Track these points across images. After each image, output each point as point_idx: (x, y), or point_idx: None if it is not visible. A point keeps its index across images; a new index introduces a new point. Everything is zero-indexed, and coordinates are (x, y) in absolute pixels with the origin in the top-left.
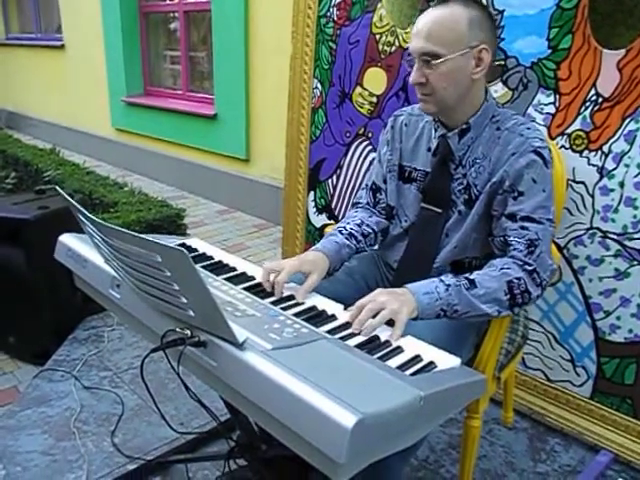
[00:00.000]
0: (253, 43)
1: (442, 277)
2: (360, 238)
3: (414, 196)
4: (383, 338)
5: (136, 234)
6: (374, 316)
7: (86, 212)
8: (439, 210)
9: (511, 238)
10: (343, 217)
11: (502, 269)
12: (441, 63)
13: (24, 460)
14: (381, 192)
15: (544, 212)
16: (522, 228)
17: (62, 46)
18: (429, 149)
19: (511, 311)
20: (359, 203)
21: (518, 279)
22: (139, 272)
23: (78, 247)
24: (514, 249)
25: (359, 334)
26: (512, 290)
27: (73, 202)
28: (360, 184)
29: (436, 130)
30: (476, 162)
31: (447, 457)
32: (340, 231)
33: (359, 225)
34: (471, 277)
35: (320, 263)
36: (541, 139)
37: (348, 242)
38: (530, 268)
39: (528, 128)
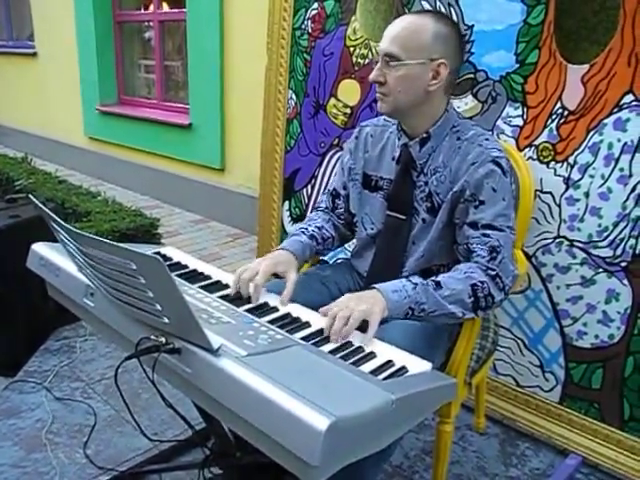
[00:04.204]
0: (228, 53)
1: (409, 277)
2: (320, 241)
3: (380, 204)
4: (357, 344)
5: (111, 242)
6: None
7: (60, 220)
8: (403, 217)
9: (474, 245)
10: None
11: (466, 272)
12: (399, 66)
13: None
14: (340, 198)
15: (504, 220)
16: (484, 235)
17: (34, 54)
18: (393, 158)
19: (475, 314)
20: (319, 207)
21: (482, 282)
22: (113, 280)
23: (51, 256)
24: (477, 255)
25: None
26: (476, 293)
27: (47, 210)
28: None
29: (399, 139)
30: (437, 171)
31: (421, 463)
32: (303, 232)
33: (319, 228)
34: (437, 279)
35: (293, 262)
36: (499, 149)
37: (310, 243)
38: (493, 273)
39: (487, 139)
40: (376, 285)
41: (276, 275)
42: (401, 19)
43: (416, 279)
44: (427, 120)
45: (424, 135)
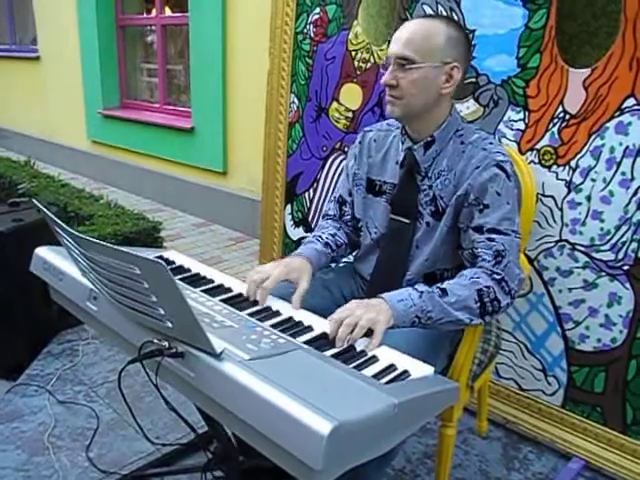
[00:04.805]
0: (230, 57)
1: (415, 286)
2: (334, 247)
3: (384, 208)
4: (359, 348)
5: (114, 246)
6: (353, 329)
7: (64, 225)
8: (407, 221)
9: (479, 250)
10: None
11: (472, 278)
12: (414, 69)
13: None
14: (346, 205)
15: (509, 224)
16: (489, 240)
17: (37, 58)
18: (397, 162)
19: (482, 319)
20: (328, 215)
21: (487, 287)
22: (117, 284)
23: (55, 260)
24: (482, 260)
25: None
26: (482, 298)
27: (51, 215)
28: None
29: (403, 143)
30: (441, 174)
31: (423, 467)
32: (318, 239)
33: (333, 235)
34: (442, 286)
35: (306, 270)
36: (503, 154)
37: (325, 250)
38: (498, 277)
39: (490, 143)
40: (382, 295)
41: (288, 282)
42: (412, 23)
43: (422, 287)
44: (432, 124)
45: (428, 139)
